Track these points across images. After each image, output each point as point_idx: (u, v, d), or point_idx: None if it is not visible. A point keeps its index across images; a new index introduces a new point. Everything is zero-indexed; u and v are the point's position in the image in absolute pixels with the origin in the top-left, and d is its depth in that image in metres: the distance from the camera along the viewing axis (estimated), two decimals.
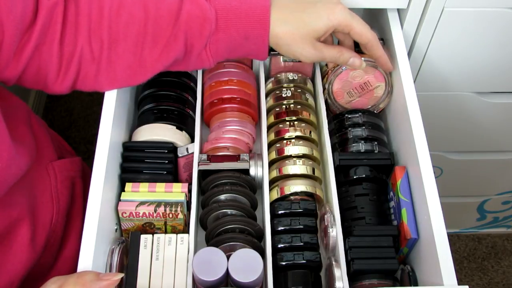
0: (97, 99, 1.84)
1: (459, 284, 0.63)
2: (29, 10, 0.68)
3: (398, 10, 0.86)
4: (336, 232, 0.73)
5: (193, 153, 0.81)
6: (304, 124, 0.84)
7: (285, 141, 0.82)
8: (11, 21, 0.65)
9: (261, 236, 0.76)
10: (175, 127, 0.82)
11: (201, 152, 0.83)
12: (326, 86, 0.85)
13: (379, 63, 0.79)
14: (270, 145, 0.84)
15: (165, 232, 0.78)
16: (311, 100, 0.87)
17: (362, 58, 0.79)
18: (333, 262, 0.71)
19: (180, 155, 0.81)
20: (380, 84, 0.82)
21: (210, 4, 0.72)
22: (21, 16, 0.66)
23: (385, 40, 0.86)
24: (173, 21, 0.71)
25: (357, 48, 0.80)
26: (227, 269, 0.66)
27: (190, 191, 0.77)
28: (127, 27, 0.71)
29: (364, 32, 0.74)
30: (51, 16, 0.69)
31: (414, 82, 0.80)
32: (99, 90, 0.76)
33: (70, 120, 1.83)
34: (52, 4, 0.69)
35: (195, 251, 0.71)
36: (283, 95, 0.86)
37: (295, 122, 0.84)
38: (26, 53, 0.69)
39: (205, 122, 0.89)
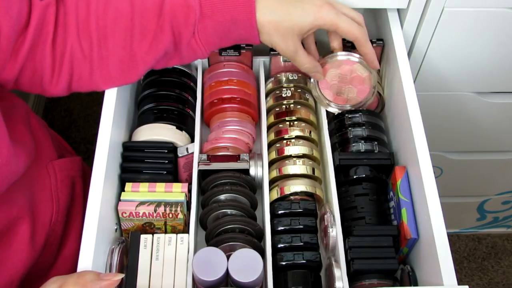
0: (97, 99, 1.84)
1: (459, 284, 0.63)
2: (24, 11, 0.68)
3: (398, 10, 0.86)
4: (336, 232, 0.73)
5: (193, 153, 0.81)
6: (304, 124, 0.84)
7: (285, 141, 0.82)
8: (8, 21, 0.65)
9: (261, 236, 0.76)
10: (175, 127, 0.82)
11: (201, 152, 0.83)
12: (326, 102, 0.85)
13: (365, 60, 0.80)
14: (270, 145, 0.84)
15: (165, 232, 0.78)
16: (311, 100, 0.87)
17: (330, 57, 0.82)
18: (333, 262, 0.71)
19: (180, 155, 0.81)
20: (354, 65, 0.82)
21: None
22: (17, 17, 0.67)
23: (385, 40, 0.86)
24: (158, 12, 0.72)
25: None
26: (227, 269, 0.66)
27: (190, 191, 0.77)
28: (115, 22, 0.72)
29: (350, 30, 0.75)
30: (44, 17, 0.70)
31: (414, 82, 0.80)
32: (96, 89, 0.76)
33: (70, 120, 1.83)
34: (45, 5, 0.70)
35: (195, 251, 0.71)
36: (283, 95, 0.86)
37: (295, 122, 0.84)
38: (22, 54, 0.69)
39: (205, 122, 0.89)
